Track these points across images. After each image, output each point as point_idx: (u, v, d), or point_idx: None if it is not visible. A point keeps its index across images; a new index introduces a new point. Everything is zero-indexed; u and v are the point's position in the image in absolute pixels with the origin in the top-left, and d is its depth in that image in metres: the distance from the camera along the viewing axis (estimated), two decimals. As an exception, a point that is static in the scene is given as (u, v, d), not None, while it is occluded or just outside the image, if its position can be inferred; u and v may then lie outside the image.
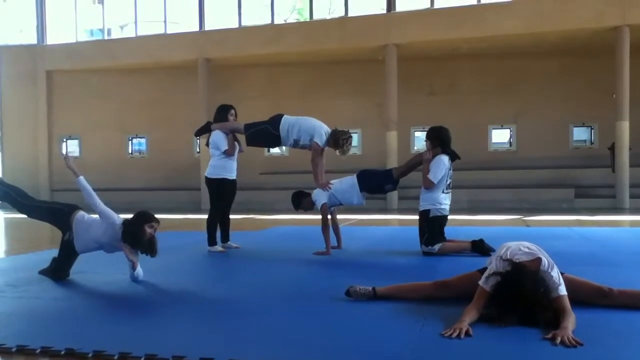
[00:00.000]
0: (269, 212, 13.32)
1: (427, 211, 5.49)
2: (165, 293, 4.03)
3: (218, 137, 6.07)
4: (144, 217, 4.19)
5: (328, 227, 5.74)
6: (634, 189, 13.54)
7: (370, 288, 3.49)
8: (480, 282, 3.05)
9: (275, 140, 5.94)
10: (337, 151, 5.74)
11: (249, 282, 4.39)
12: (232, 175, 6.11)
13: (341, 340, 2.72)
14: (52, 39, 18.52)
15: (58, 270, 4.38)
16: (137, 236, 4.11)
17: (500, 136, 16.55)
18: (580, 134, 16.19)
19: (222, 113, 6.24)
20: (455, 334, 2.69)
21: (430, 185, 5.42)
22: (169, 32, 17.22)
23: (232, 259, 5.68)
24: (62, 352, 2.57)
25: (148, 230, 4.13)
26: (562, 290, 2.95)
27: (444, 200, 5.52)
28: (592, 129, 15.96)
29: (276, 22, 16.44)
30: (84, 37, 18.94)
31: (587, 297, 3.27)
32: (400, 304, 3.36)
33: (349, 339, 2.75)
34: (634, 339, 2.73)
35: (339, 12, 16.27)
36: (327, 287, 3.98)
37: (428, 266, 4.91)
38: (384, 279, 3.67)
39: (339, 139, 5.70)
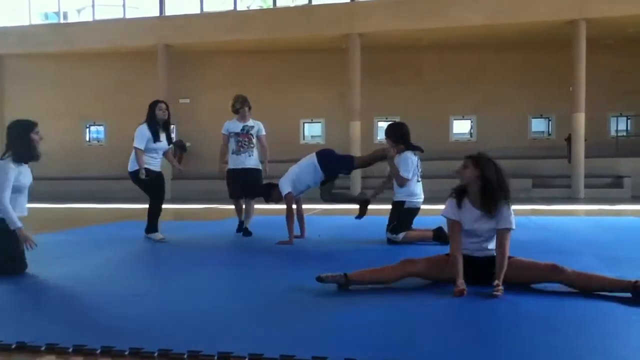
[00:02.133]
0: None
1: (402, 202, 5.56)
2: (122, 285, 3.93)
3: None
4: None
5: (293, 216, 5.71)
6: (588, 179, 13.95)
7: (342, 273, 3.48)
8: (442, 214, 3.54)
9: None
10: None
11: (212, 275, 4.33)
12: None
13: (314, 332, 2.70)
14: (2, 21, 17.78)
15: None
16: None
17: (461, 127, 16.81)
18: (538, 125, 16.59)
19: (151, 108, 6.05)
20: (461, 295, 3.20)
21: (404, 183, 5.51)
22: (127, 16, 16.76)
23: (194, 250, 5.59)
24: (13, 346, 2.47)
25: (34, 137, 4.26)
26: (513, 224, 3.43)
27: (417, 191, 5.63)
28: (549, 120, 16.36)
29: (239, 8, 16.20)
30: (37, 20, 18.26)
31: (542, 275, 3.42)
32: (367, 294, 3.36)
33: (322, 329, 2.73)
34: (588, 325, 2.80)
35: (303, 1, 16.15)
36: (292, 276, 3.95)
37: (393, 252, 4.94)
38: (350, 267, 3.67)
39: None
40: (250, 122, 6.46)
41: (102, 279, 4.08)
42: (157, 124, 6.00)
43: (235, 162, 6.36)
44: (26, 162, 4.26)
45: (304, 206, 6.21)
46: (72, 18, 18.89)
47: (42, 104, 17.77)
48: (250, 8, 17.49)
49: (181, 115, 16.82)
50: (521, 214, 9.15)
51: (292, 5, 16.66)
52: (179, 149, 16.75)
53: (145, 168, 5.86)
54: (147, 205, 6.09)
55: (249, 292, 3.63)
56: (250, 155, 6.37)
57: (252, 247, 5.65)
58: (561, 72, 14.56)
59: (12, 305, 3.36)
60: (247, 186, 6.29)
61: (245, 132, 6.37)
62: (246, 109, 6.42)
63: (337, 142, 15.67)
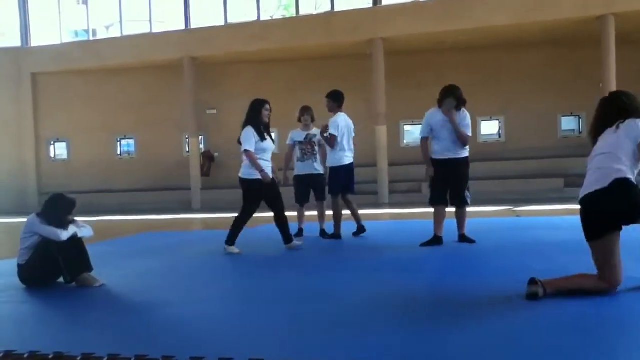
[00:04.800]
0: (260, 209, 13.24)
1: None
2: (156, 294, 3.98)
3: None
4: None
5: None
6: (622, 177, 13.60)
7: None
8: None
9: None
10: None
11: (236, 286, 4.36)
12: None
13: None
14: (36, 41, 18.30)
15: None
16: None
17: (490, 128, 16.59)
18: (568, 123, 16.25)
19: (255, 108, 6.01)
20: None
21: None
22: (154, 31, 17.07)
23: (224, 260, 5.64)
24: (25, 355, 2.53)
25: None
26: None
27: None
28: (580, 118, 16.03)
29: (262, 18, 16.34)
30: (68, 38, 18.74)
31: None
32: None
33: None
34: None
35: (325, 7, 16.20)
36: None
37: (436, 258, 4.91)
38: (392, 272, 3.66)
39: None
40: (313, 131, 6.90)
41: (137, 289, 4.15)
42: (261, 125, 5.91)
43: (302, 168, 6.83)
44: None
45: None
46: (101, 34, 19.35)
47: (74, 119, 18.20)
48: (274, 17, 17.63)
49: (208, 125, 17.04)
50: (554, 214, 8.99)
51: (314, 13, 16.74)
52: (207, 159, 16.96)
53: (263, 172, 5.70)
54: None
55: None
56: (314, 162, 6.83)
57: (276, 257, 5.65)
58: (590, 69, 14.25)
59: (49, 316, 3.44)
60: (317, 190, 6.78)
61: (308, 140, 6.84)
62: (309, 118, 6.91)
63: (363, 148, 15.65)
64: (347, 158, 6.54)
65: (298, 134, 6.91)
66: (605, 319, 2.86)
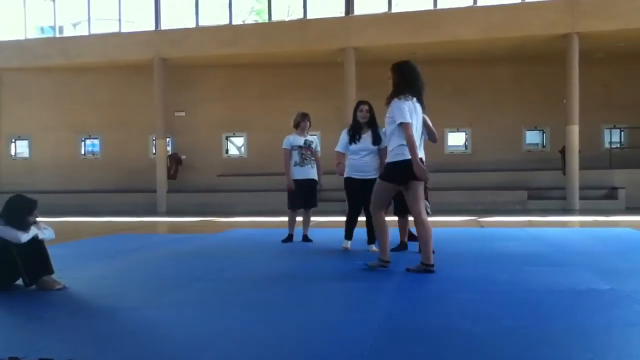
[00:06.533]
0: (228, 214, 13.17)
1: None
2: (118, 298, 3.91)
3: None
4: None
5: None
6: (583, 191, 14.00)
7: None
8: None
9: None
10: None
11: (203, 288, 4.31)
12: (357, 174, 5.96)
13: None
14: (-1, 35, 17.83)
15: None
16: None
17: (456, 139, 16.87)
18: (532, 137, 16.67)
19: (355, 109, 6.02)
20: None
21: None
22: (123, 31, 16.82)
23: (188, 264, 5.58)
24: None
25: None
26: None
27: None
28: (544, 132, 16.45)
29: (234, 22, 16.28)
30: (34, 34, 18.29)
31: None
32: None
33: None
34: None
35: (298, 15, 16.25)
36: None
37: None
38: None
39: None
40: (310, 137, 6.93)
41: (100, 292, 4.07)
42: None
43: (300, 173, 6.78)
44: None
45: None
46: (68, 32, 18.96)
47: (37, 117, 17.78)
48: (246, 22, 17.58)
49: (176, 128, 16.86)
50: (517, 226, 9.19)
51: (287, 19, 16.77)
52: (174, 162, 16.76)
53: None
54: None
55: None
56: (312, 167, 6.85)
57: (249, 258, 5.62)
58: (555, 85, 14.67)
59: (5, 319, 3.34)
60: (310, 196, 6.78)
61: (307, 146, 6.84)
62: (308, 123, 6.86)
63: (333, 156, 15.72)
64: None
65: (297, 139, 6.84)
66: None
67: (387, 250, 4.83)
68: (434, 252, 5.38)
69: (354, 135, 5.89)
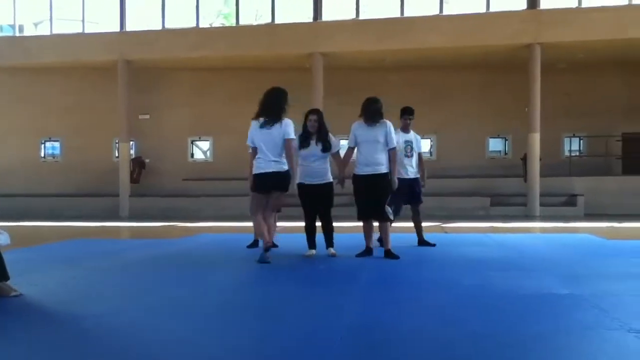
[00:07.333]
0: (192, 219, 12.98)
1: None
2: (79, 305, 3.80)
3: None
4: None
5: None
6: (544, 197, 14.33)
7: None
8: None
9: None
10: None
11: (174, 296, 4.23)
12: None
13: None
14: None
15: None
16: None
17: (422, 146, 17.06)
18: (496, 145, 16.99)
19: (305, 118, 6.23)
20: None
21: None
22: (87, 31, 16.46)
23: (151, 269, 5.47)
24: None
25: None
26: None
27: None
28: (506, 140, 16.79)
29: (201, 25, 16.12)
30: (-9, 32, 17.75)
31: None
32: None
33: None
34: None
35: (266, 19, 16.20)
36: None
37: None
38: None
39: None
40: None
41: (60, 299, 3.94)
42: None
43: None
44: None
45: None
46: (29, 31, 18.44)
47: (-3, 118, 17.25)
48: (213, 25, 17.44)
49: (140, 131, 16.56)
50: (480, 232, 9.33)
51: (255, 24, 16.70)
52: (137, 165, 16.47)
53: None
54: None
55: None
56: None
57: (219, 265, 5.55)
58: (518, 93, 14.99)
59: None
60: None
61: None
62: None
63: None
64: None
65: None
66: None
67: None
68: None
69: (304, 141, 6.00)
